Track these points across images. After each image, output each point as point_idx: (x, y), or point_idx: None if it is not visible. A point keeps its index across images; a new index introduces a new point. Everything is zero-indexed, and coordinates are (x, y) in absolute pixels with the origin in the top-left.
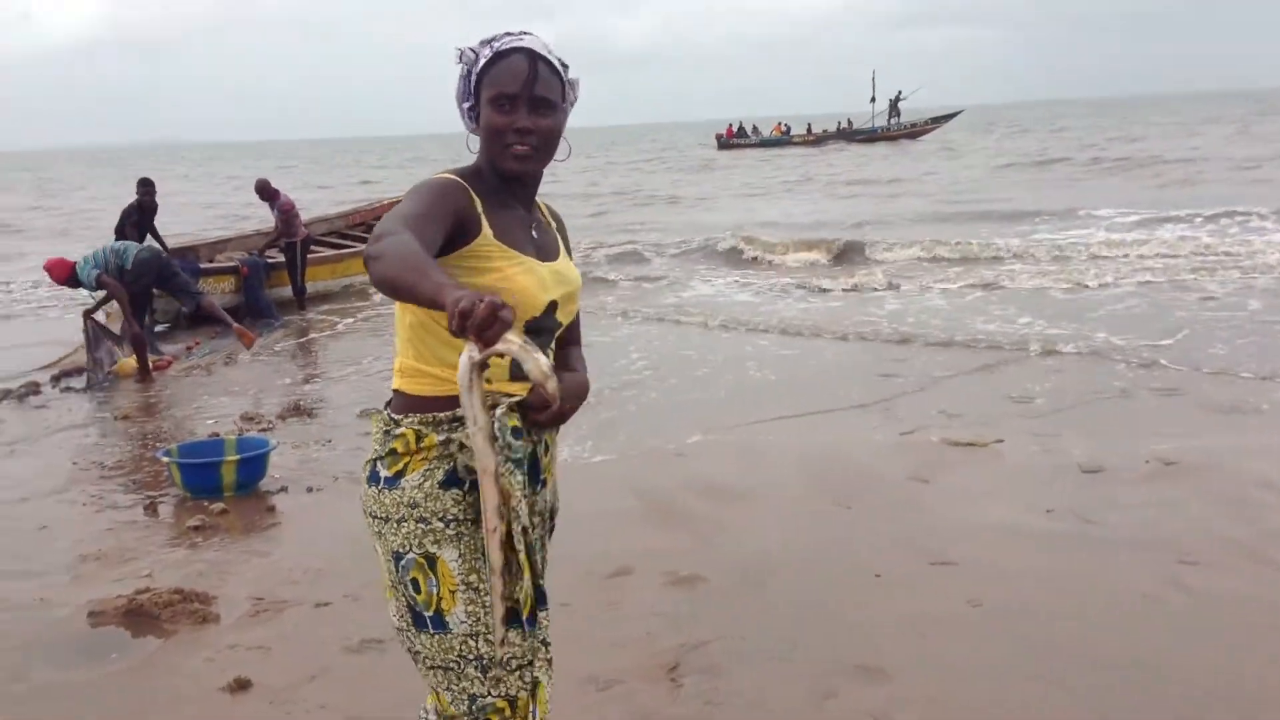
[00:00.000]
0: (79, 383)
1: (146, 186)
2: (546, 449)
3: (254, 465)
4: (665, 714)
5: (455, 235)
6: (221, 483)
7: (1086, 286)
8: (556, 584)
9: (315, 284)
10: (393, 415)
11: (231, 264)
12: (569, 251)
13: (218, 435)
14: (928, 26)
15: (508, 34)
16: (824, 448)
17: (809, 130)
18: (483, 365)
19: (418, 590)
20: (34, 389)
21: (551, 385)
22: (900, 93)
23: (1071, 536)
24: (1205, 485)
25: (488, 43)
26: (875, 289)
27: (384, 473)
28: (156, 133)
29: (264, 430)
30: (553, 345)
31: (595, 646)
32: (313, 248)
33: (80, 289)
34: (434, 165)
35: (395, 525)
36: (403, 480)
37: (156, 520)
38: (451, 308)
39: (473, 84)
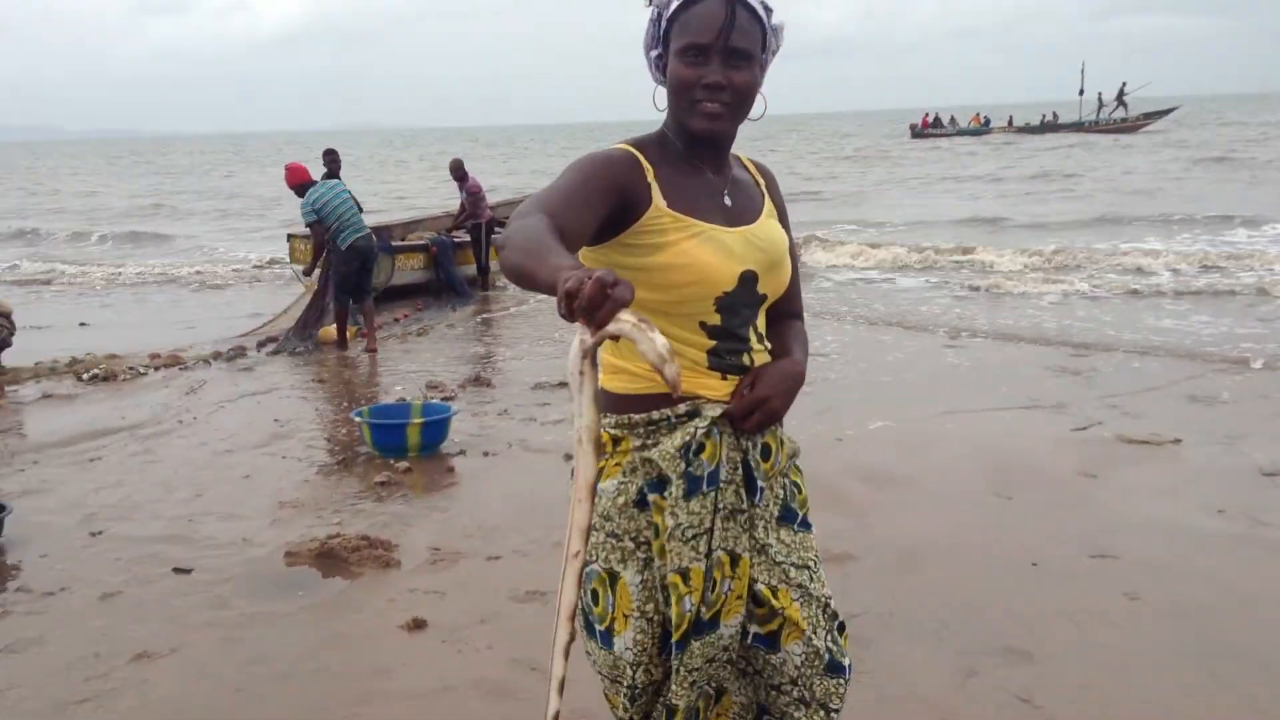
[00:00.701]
0: (279, 347)
1: (331, 155)
2: (767, 453)
3: (437, 429)
4: None
5: (621, 212)
6: (407, 443)
7: (1270, 293)
8: None
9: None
10: None
11: (422, 242)
12: (781, 212)
13: (405, 400)
14: (1136, 14)
15: None
16: (990, 440)
17: (1010, 122)
18: (594, 352)
19: (595, 601)
20: (240, 352)
21: (670, 371)
22: (1125, 85)
23: (1243, 537)
24: None
25: None
26: (1039, 291)
27: None
28: (355, 118)
29: (446, 398)
30: (757, 322)
31: None
32: (497, 229)
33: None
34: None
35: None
36: (600, 485)
37: (348, 474)
38: (560, 289)
39: (662, 30)
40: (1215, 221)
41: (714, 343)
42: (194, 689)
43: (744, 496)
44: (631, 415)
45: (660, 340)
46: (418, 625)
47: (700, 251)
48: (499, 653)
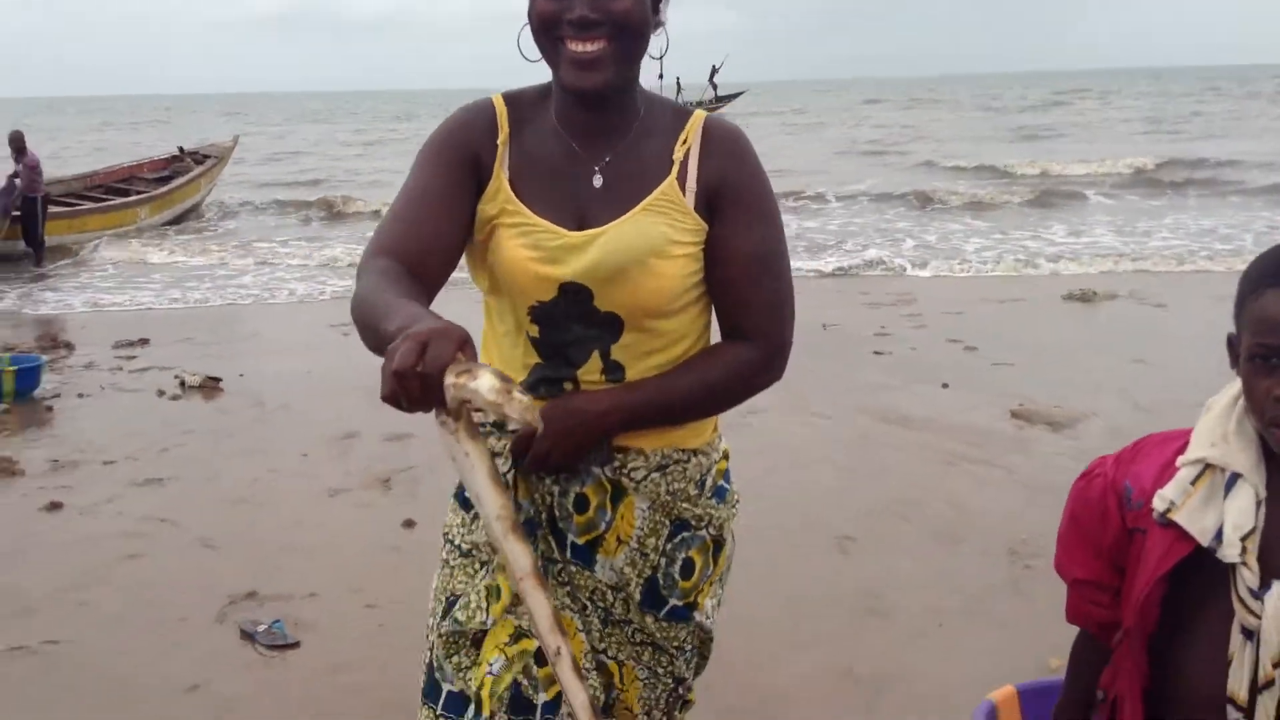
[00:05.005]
0: None
1: None
2: (584, 505)
3: (30, 375)
4: (378, 503)
5: (480, 182)
6: (1, 389)
7: None
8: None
9: (50, 238)
10: None
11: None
12: (711, 200)
13: None
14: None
15: None
16: None
17: None
18: (468, 424)
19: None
20: None
21: (533, 415)
22: (715, 66)
23: None
24: None
25: None
26: None
27: None
28: None
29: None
30: (612, 346)
31: (331, 476)
32: (53, 205)
33: None
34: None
35: None
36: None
37: None
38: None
39: None
40: None
41: (537, 359)
42: None
43: (554, 545)
44: None
45: (520, 401)
46: (55, 506)
47: (512, 249)
48: (126, 519)
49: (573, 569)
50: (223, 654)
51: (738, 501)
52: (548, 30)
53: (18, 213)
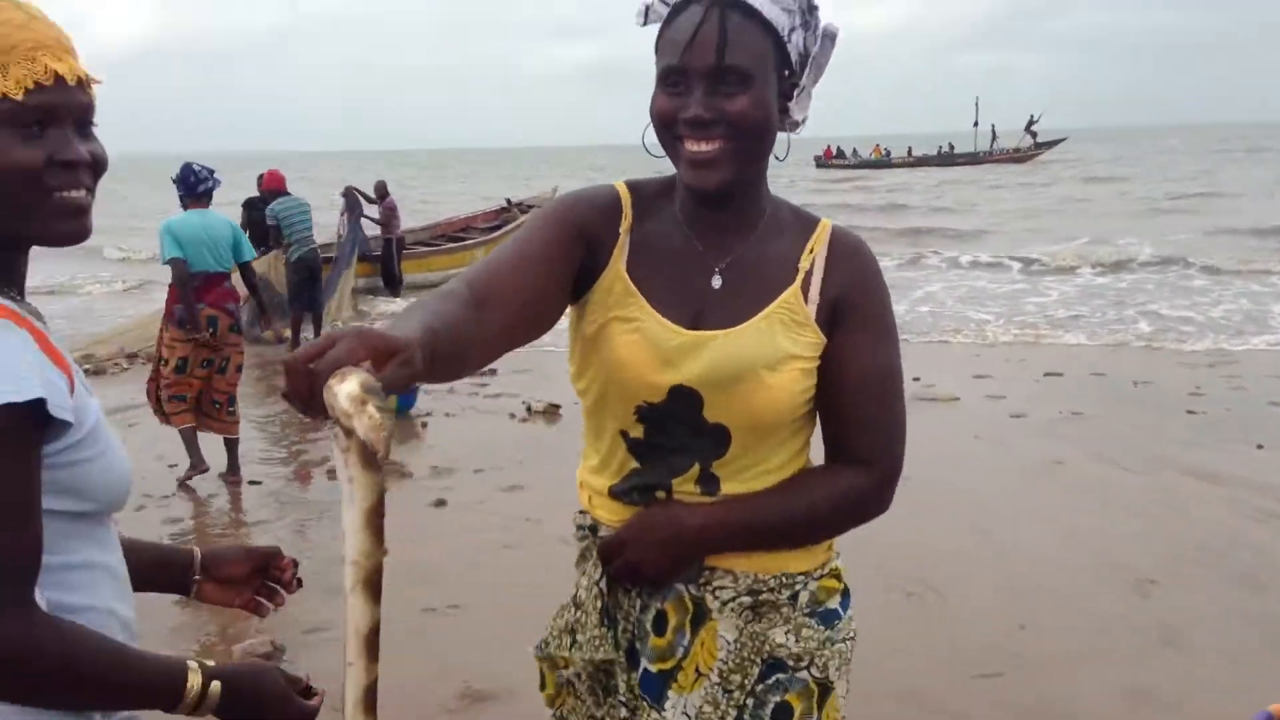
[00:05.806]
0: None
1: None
2: (662, 625)
3: (408, 396)
4: None
5: (590, 263)
6: None
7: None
8: None
9: (406, 276)
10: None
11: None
12: (833, 315)
13: None
14: (974, 53)
15: None
16: None
17: (909, 153)
18: (364, 452)
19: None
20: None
21: (380, 437)
22: (1033, 116)
23: (991, 451)
24: None
25: None
26: None
27: None
28: (210, 142)
29: None
30: (715, 461)
31: None
32: (406, 248)
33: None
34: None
35: None
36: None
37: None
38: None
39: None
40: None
41: (635, 464)
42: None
43: (623, 680)
44: (579, 516)
45: (371, 417)
46: (440, 504)
47: (621, 345)
48: (499, 517)
49: (638, 704)
50: None
51: (854, 635)
52: (667, 128)
53: (378, 253)
